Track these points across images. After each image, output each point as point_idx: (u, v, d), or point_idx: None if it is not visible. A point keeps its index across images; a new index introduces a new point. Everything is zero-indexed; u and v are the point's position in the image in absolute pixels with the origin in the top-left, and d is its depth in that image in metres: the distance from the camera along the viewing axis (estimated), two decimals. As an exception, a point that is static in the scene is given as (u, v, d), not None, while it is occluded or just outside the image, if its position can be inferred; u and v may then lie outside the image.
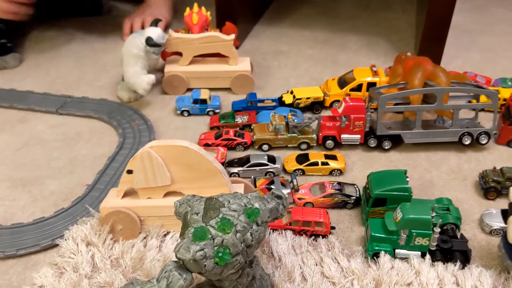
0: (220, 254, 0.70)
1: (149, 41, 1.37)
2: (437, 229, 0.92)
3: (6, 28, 1.66)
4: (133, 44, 1.39)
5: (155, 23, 1.43)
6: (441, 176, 1.19)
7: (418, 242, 0.93)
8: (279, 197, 0.82)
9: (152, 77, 1.40)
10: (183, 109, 1.41)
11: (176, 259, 0.71)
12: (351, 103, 1.24)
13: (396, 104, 1.28)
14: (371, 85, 1.40)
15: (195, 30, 1.46)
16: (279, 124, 1.25)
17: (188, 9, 1.49)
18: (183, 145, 0.93)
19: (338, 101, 1.37)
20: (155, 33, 1.39)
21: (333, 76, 1.51)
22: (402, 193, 1.00)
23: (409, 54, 1.37)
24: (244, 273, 0.78)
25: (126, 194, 1.00)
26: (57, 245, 0.98)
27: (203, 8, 1.50)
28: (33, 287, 0.89)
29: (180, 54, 1.49)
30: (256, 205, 0.76)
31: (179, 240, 0.72)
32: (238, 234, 0.72)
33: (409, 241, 0.94)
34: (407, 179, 1.02)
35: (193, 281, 0.71)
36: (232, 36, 1.45)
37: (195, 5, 1.50)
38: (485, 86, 1.32)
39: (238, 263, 0.73)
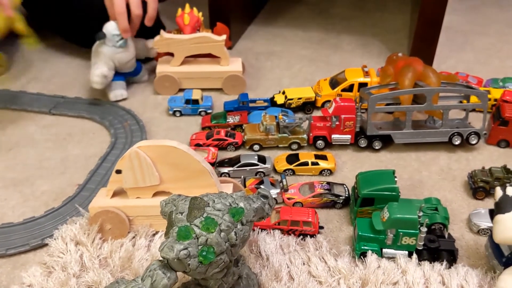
0: (204, 253, 0.70)
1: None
2: (424, 229, 0.92)
3: None
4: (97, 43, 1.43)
5: None
6: (430, 176, 1.20)
7: (405, 242, 0.94)
8: (265, 196, 0.82)
9: (100, 70, 1.40)
10: (175, 109, 1.41)
11: (160, 258, 0.72)
12: (341, 104, 1.24)
13: (387, 105, 1.29)
14: (362, 85, 1.40)
15: (187, 30, 1.47)
16: (270, 124, 1.26)
17: (180, 10, 1.50)
18: (171, 145, 0.94)
19: (330, 101, 1.38)
20: (109, 25, 1.40)
21: (326, 76, 1.52)
22: (390, 193, 1.00)
23: (400, 54, 1.37)
24: (230, 272, 0.79)
25: (116, 194, 1.00)
26: (47, 244, 0.98)
27: (194, 9, 1.51)
28: (22, 286, 0.90)
29: (172, 54, 1.49)
30: (241, 204, 0.77)
31: (163, 239, 0.73)
32: (222, 233, 0.72)
33: (396, 241, 0.94)
34: (396, 179, 1.03)
35: (177, 280, 0.72)
36: (224, 36, 1.46)
37: (187, 6, 1.50)
38: (475, 87, 1.32)
39: (223, 262, 0.73)
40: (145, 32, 1.49)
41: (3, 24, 1.27)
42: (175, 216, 0.74)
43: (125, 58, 1.45)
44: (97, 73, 1.40)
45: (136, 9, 1.39)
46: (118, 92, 1.47)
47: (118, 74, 1.48)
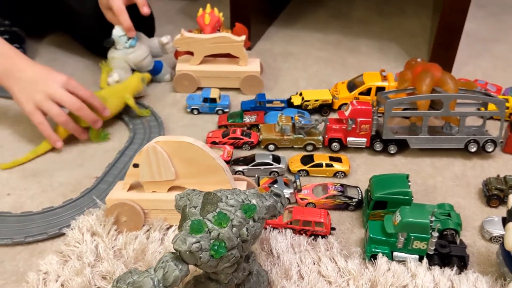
0: (215, 247, 0.72)
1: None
2: (435, 234, 0.92)
3: (25, 34, 1.71)
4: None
5: None
6: (444, 182, 1.20)
7: (416, 246, 0.94)
8: (277, 195, 0.84)
9: (112, 78, 1.45)
10: (193, 107, 1.43)
11: (173, 251, 0.74)
12: (358, 107, 1.25)
13: (404, 109, 1.29)
14: (380, 89, 1.40)
15: (207, 30, 1.49)
16: (286, 125, 1.27)
17: (201, 9, 1.52)
18: (187, 141, 0.95)
19: (346, 104, 1.38)
20: (115, 28, 1.45)
21: (342, 78, 1.53)
22: (403, 197, 1.01)
23: (419, 60, 1.37)
24: (240, 267, 0.80)
25: (132, 187, 1.03)
26: (64, 234, 1.01)
27: (215, 9, 1.53)
28: (39, 274, 0.92)
29: (192, 53, 1.51)
30: (254, 201, 0.78)
31: (177, 233, 0.74)
32: (234, 229, 0.74)
33: (407, 244, 0.94)
34: (409, 183, 1.03)
35: (189, 273, 0.73)
36: (243, 37, 1.47)
37: (208, 5, 1.52)
38: (494, 94, 1.32)
39: (234, 257, 0.74)
40: (139, 27, 1.50)
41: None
42: (188, 210, 0.76)
43: (138, 57, 1.48)
44: (109, 81, 1.45)
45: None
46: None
47: None
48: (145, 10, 1.45)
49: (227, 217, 0.74)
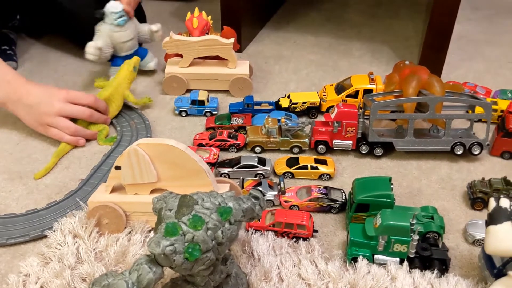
0: (190, 250, 0.72)
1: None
2: (416, 237, 0.92)
3: (15, 36, 1.72)
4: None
5: None
6: (430, 185, 1.19)
7: (397, 249, 0.94)
8: (256, 197, 0.84)
9: (95, 42, 1.48)
10: (181, 109, 1.44)
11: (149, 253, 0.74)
12: (343, 109, 1.25)
13: (392, 112, 1.29)
14: (367, 92, 1.40)
15: (195, 34, 1.49)
16: (272, 127, 1.27)
17: (189, 13, 1.52)
18: (169, 144, 0.96)
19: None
20: (109, 4, 1.47)
21: (332, 81, 1.53)
22: (385, 200, 1.01)
23: (407, 62, 1.37)
24: (217, 270, 0.80)
25: (115, 190, 1.03)
26: (46, 236, 1.01)
27: (203, 12, 1.53)
28: (19, 275, 0.92)
29: (181, 55, 1.52)
30: (230, 204, 0.78)
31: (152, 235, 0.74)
32: (209, 232, 0.74)
33: (387, 247, 0.94)
34: (392, 186, 1.03)
35: (163, 275, 0.73)
36: (232, 40, 1.48)
37: (196, 9, 1.53)
38: (480, 97, 1.32)
39: (209, 260, 0.74)
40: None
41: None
42: (164, 213, 0.76)
43: (123, 37, 1.51)
44: (91, 44, 1.47)
45: None
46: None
47: (118, 58, 1.54)
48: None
49: (202, 220, 0.74)
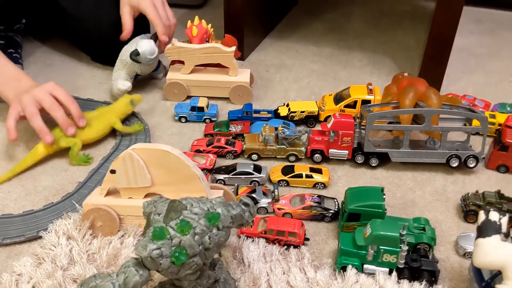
0: (176, 254, 0.73)
1: (132, 55, 1.46)
2: (405, 247, 0.93)
3: (20, 39, 1.75)
4: (127, 50, 1.48)
5: (154, 36, 1.51)
6: (424, 196, 1.20)
7: (386, 259, 0.95)
8: (246, 204, 0.85)
9: (126, 86, 1.49)
10: (180, 115, 1.45)
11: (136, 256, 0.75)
12: (340, 119, 1.26)
13: (389, 123, 1.30)
14: (365, 102, 1.41)
15: (195, 42, 1.52)
16: (269, 135, 1.28)
17: (189, 22, 1.55)
18: (164, 149, 0.97)
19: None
20: (145, 47, 1.46)
21: (332, 91, 1.54)
22: (376, 210, 1.01)
23: (406, 74, 1.38)
24: (204, 275, 0.81)
25: (110, 193, 1.04)
26: (41, 237, 1.03)
27: (203, 21, 1.55)
28: (12, 275, 0.94)
29: (183, 62, 1.54)
30: (219, 210, 0.79)
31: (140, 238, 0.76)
32: (197, 237, 0.75)
33: (377, 257, 0.95)
34: (384, 196, 1.04)
35: (150, 278, 0.75)
36: (233, 48, 1.49)
37: (196, 18, 1.55)
38: (477, 110, 1.32)
39: (195, 264, 0.76)
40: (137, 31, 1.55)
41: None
42: (153, 217, 0.78)
43: (150, 69, 1.56)
44: (120, 87, 1.48)
45: (172, 18, 1.54)
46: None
47: None
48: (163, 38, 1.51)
49: (189, 224, 0.75)
